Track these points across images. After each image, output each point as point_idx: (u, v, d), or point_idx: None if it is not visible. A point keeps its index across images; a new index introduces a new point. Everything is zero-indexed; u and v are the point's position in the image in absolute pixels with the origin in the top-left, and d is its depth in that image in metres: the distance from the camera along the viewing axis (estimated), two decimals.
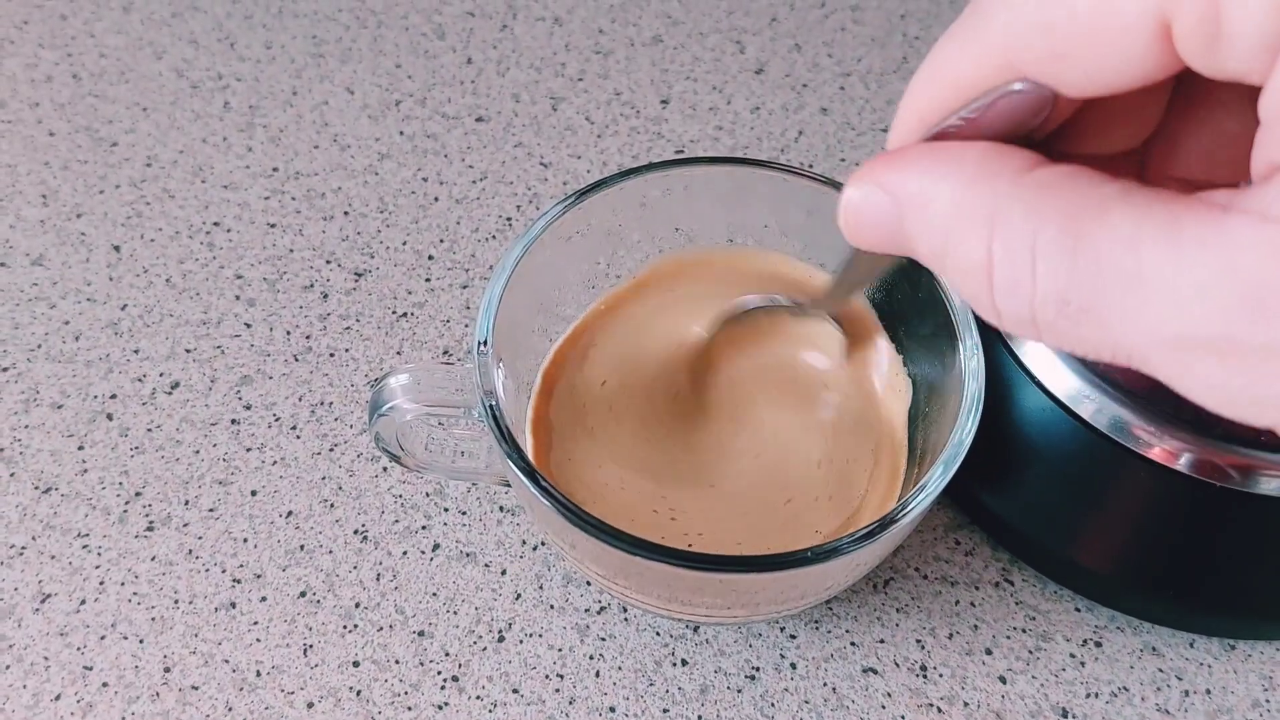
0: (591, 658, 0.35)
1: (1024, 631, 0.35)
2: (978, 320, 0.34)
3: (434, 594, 0.36)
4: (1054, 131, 0.20)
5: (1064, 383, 0.34)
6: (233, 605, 0.35)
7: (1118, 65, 0.16)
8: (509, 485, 0.35)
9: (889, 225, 0.20)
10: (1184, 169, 0.20)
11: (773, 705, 0.34)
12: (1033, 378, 0.34)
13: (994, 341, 0.35)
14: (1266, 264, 0.15)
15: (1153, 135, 0.20)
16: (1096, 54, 0.16)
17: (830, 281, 0.31)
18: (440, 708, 0.33)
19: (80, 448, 0.38)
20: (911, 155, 0.19)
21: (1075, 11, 0.16)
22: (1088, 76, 0.17)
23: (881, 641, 0.35)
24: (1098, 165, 0.18)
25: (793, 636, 0.35)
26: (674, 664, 0.35)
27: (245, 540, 0.36)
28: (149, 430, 0.39)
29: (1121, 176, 0.17)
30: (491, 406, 0.30)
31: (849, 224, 0.21)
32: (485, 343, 0.31)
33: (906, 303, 0.34)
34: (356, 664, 0.34)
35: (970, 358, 0.31)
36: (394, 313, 0.42)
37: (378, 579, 0.36)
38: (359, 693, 0.34)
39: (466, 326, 0.41)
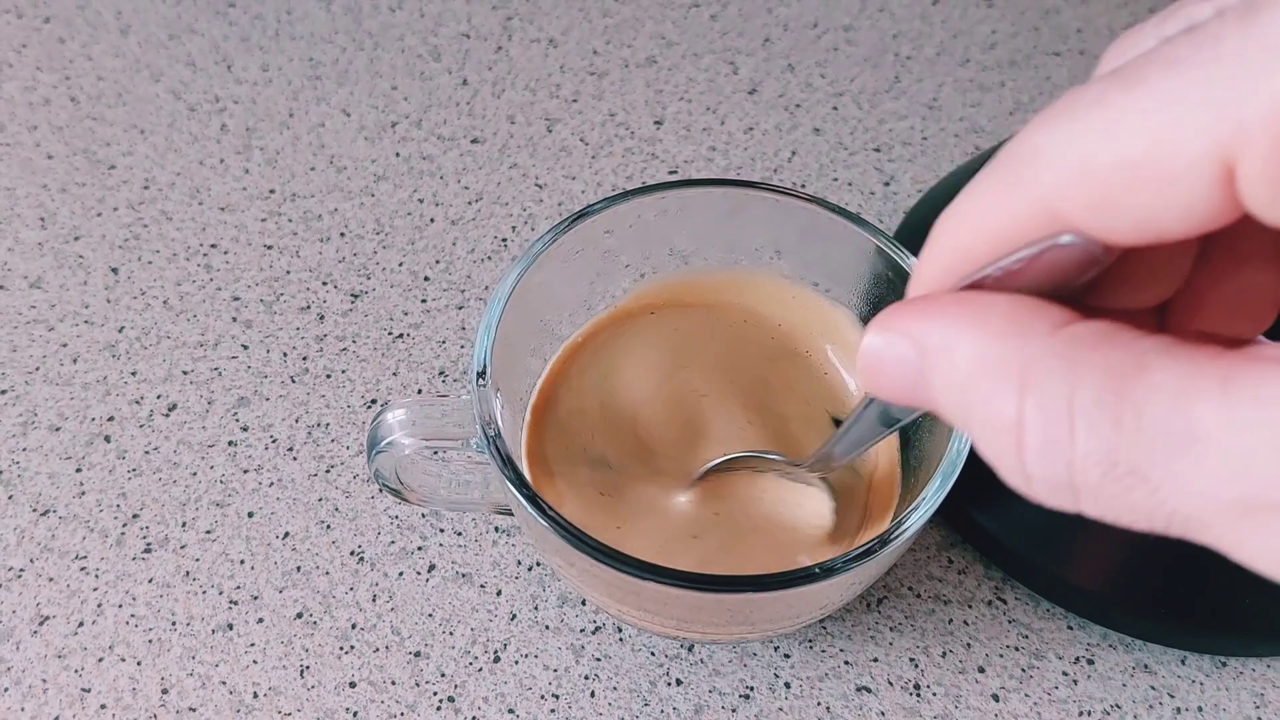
0: (587, 678, 0.35)
1: (1017, 650, 0.36)
2: None
3: (430, 615, 0.36)
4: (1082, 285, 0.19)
5: None
6: (230, 627, 0.35)
7: (1173, 212, 0.15)
8: (507, 514, 0.35)
9: (910, 376, 0.19)
10: (1206, 321, 0.19)
11: None
12: None
13: None
14: None
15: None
16: (1150, 201, 0.15)
17: (833, 438, 0.30)
18: None
19: (78, 470, 0.38)
20: (937, 304, 0.18)
21: (1127, 154, 0.15)
22: (1138, 225, 0.15)
23: (875, 660, 0.35)
24: (1122, 320, 0.17)
25: (787, 655, 0.35)
26: (669, 684, 0.35)
27: (242, 562, 0.37)
28: (146, 452, 0.39)
29: (1147, 331, 0.16)
30: (493, 437, 0.30)
31: (868, 371, 0.20)
32: (484, 374, 0.31)
33: None
34: (353, 685, 0.34)
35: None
36: (390, 334, 0.42)
37: (374, 600, 0.36)
38: (355, 714, 0.34)
39: (462, 347, 0.42)
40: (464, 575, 0.37)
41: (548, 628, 0.36)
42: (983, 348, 0.17)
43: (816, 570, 0.29)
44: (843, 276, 0.36)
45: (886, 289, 0.34)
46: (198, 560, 0.37)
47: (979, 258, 0.18)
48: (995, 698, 0.35)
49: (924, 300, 0.19)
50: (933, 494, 0.30)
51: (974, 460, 0.31)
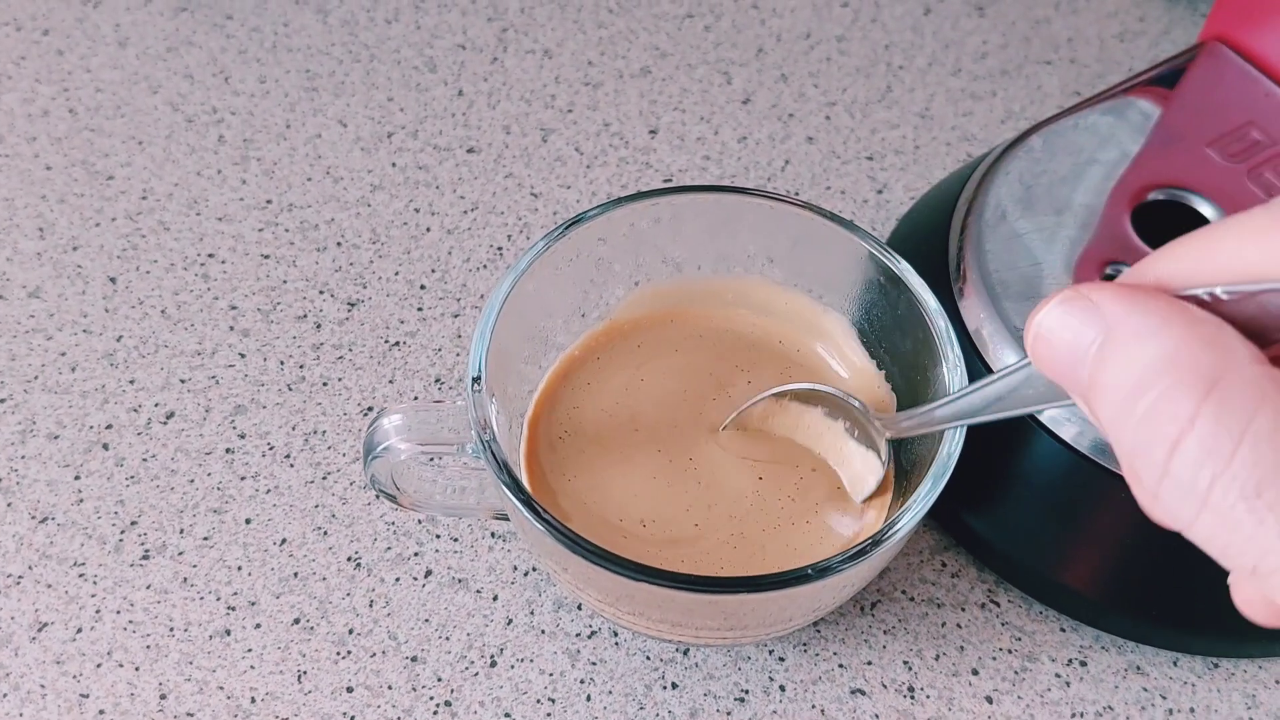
0: (582, 682, 0.35)
1: (1010, 652, 0.36)
2: (958, 336, 0.35)
3: (426, 620, 0.36)
4: None
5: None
6: (227, 633, 0.36)
7: None
8: (503, 519, 0.35)
9: (1081, 352, 0.19)
10: None
11: None
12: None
13: (971, 357, 0.35)
14: None
15: None
16: None
17: (939, 400, 0.30)
18: None
19: (76, 477, 0.39)
20: (1146, 294, 0.19)
21: None
22: None
23: (869, 663, 0.36)
24: None
25: (781, 659, 0.36)
26: (664, 687, 0.35)
27: (239, 568, 0.37)
28: (144, 460, 0.39)
29: None
30: (488, 442, 0.30)
31: (1041, 336, 0.20)
32: (479, 379, 0.31)
33: (887, 320, 0.35)
34: (350, 690, 0.35)
35: (953, 371, 0.32)
36: (386, 342, 0.42)
37: (370, 605, 0.36)
38: (353, 718, 0.34)
39: (458, 355, 0.42)
40: (460, 580, 0.37)
41: (543, 632, 0.36)
42: (1184, 346, 0.17)
43: (809, 571, 0.29)
44: (835, 282, 0.37)
45: (878, 294, 0.35)
46: (195, 566, 0.37)
47: (1208, 275, 0.18)
48: (989, 700, 0.35)
49: (1131, 287, 0.19)
50: (924, 495, 0.30)
51: (967, 465, 0.32)
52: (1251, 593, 0.21)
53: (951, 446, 0.30)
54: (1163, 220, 0.38)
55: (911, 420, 0.32)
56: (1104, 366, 0.19)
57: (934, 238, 0.39)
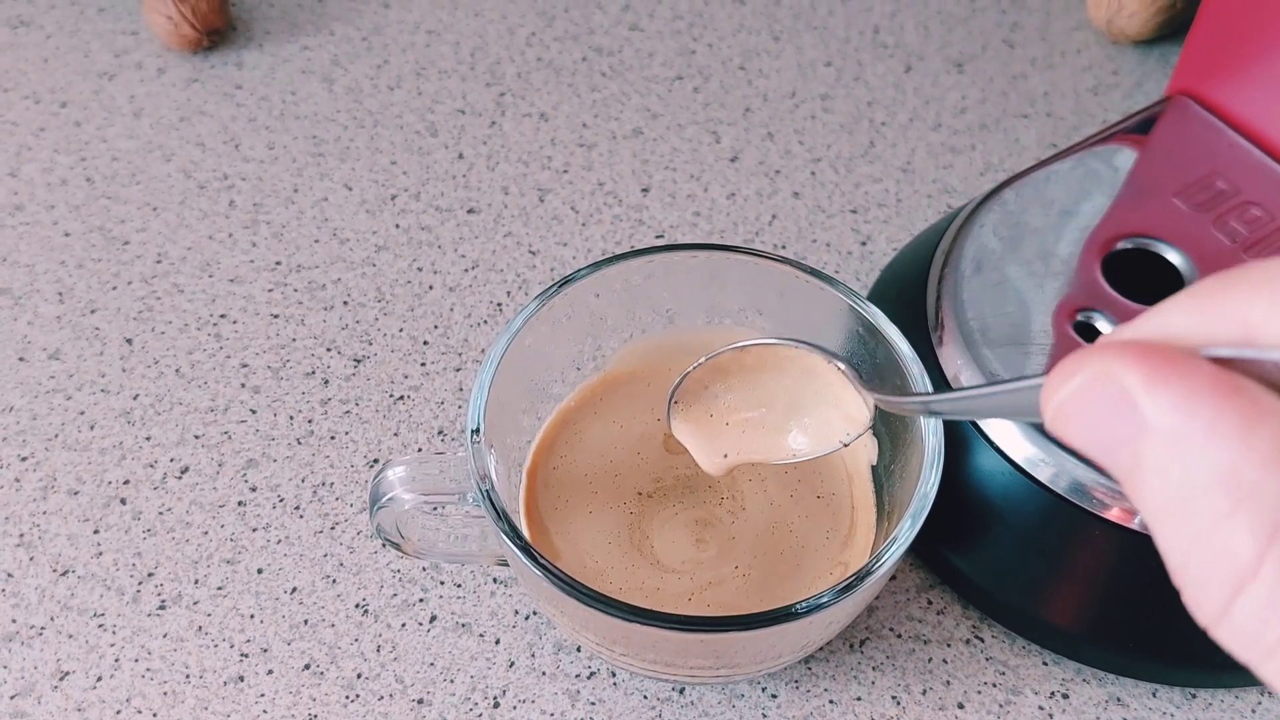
0: None
1: (994, 686, 0.37)
2: (938, 383, 0.37)
3: (431, 664, 0.37)
4: None
5: (1022, 448, 0.36)
6: (241, 679, 0.37)
7: None
8: (505, 565, 0.37)
9: (1115, 437, 0.16)
10: None
11: None
12: (992, 444, 0.37)
13: None
14: None
15: None
16: None
17: (950, 391, 0.28)
18: None
19: (96, 531, 0.40)
20: (1185, 371, 0.15)
21: None
22: None
23: (859, 699, 0.37)
24: None
25: (774, 696, 0.37)
26: None
27: (252, 616, 0.38)
28: (160, 513, 0.41)
29: None
30: (487, 491, 0.32)
31: (1062, 417, 0.17)
32: (478, 431, 0.33)
33: (865, 368, 0.37)
34: None
35: (928, 418, 0.33)
36: (391, 396, 0.44)
37: (378, 650, 0.38)
38: None
39: (460, 408, 0.44)
40: (464, 625, 0.38)
41: (544, 674, 0.37)
42: (1241, 467, 0.14)
43: (797, 609, 0.30)
44: (819, 333, 0.38)
45: (858, 343, 0.36)
46: (209, 615, 0.38)
47: (1255, 334, 0.15)
48: None
49: (1167, 357, 0.15)
50: (904, 533, 0.32)
51: (949, 507, 0.33)
52: None
53: (927, 488, 0.32)
54: (1132, 268, 0.40)
55: (902, 402, 0.31)
56: (1144, 464, 0.16)
57: (913, 288, 0.41)
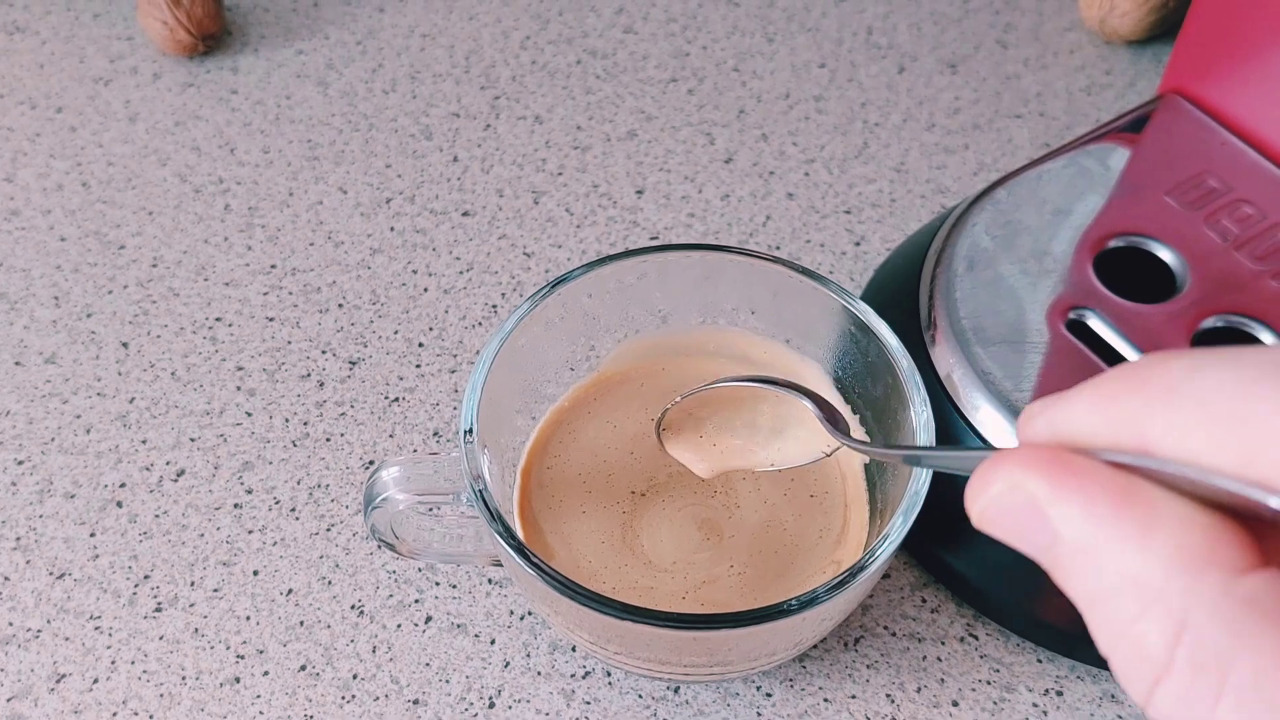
0: None
1: (988, 683, 0.37)
2: (930, 382, 0.37)
3: (427, 664, 0.38)
4: None
5: (1013, 446, 0.36)
6: (237, 680, 0.37)
7: None
8: (500, 565, 0.37)
9: (1036, 540, 0.17)
10: None
11: None
12: (985, 441, 0.37)
13: (943, 401, 0.37)
14: None
15: None
16: None
17: (922, 448, 0.30)
18: None
19: (92, 534, 0.40)
20: (1088, 480, 0.16)
21: None
22: None
23: (853, 697, 0.37)
24: None
25: (768, 695, 0.37)
26: None
27: (248, 618, 0.38)
28: (156, 516, 0.41)
29: None
30: (480, 491, 0.32)
31: (985, 517, 0.18)
32: (471, 431, 0.33)
33: (858, 366, 0.37)
34: None
35: (920, 414, 0.34)
36: (386, 398, 0.44)
37: (374, 651, 0.38)
38: None
39: (455, 409, 0.44)
40: (459, 625, 0.38)
41: (539, 674, 0.37)
42: (1144, 573, 0.15)
43: (790, 605, 0.30)
44: (811, 332, 0.39)
45: (850, 343, 0.37)
46: (205, 617, 0.38)
47: (1151, 447, 0.16)
48: None
49: (1067, 466, 0.16)
50: (896, 530, 0.32)
51: (941, 506, 0.33)
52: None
53: (919, 485, 0.32)
54: (1124, 266, 0.40)
55: (864, 448, 0.31)
56: (1061, 568, 0.17)
57: (906, 288, 0.41)
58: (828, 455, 0.33)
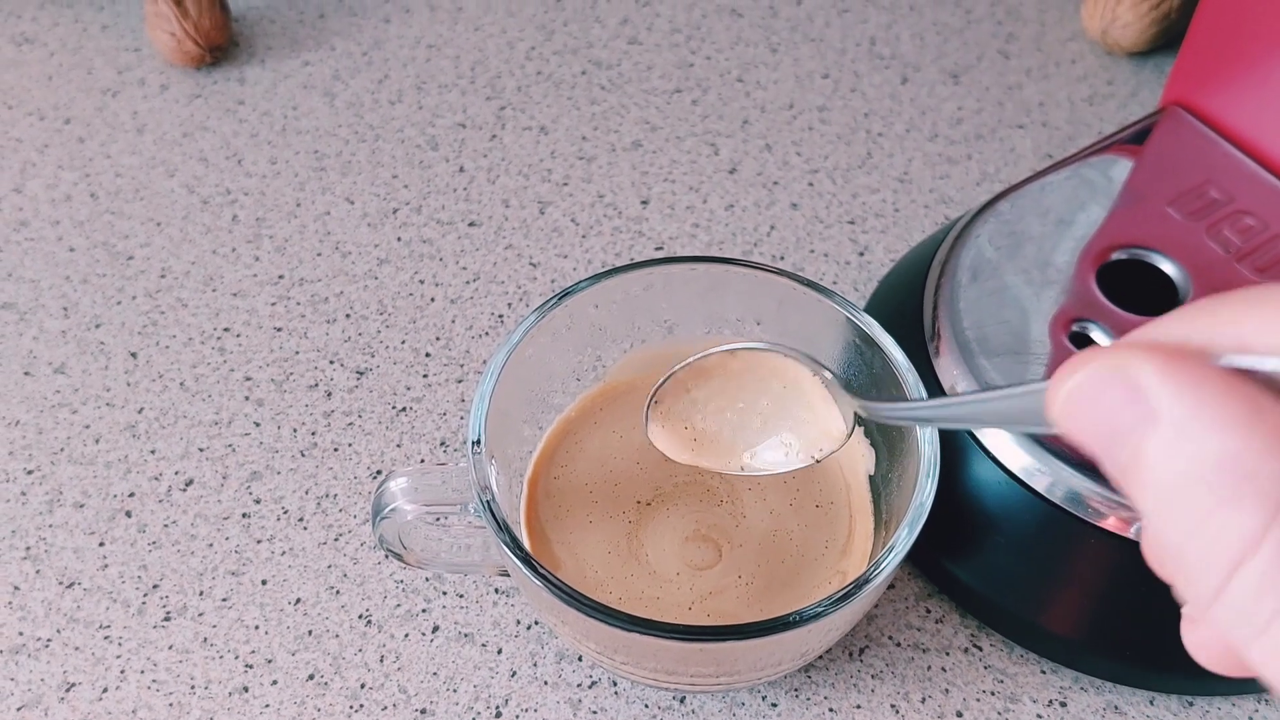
0: None
1: (993, 694, 0.37)
2: (934, 392, 0.37)
3: (434, 673, 0.38)
4: None
5: (1019, 458, 0.37)
6: (246, 689, 0.37)
7: None
8: (507, 575, 0.37)
9: (1119, 428, 0.17)
10: None
11: None
12: (989, 454, 0.37)
13: None
14: None
15: None
16: None
17: (939, 399, 0.29)
18: None
19: (101, 544, 0.41)
20: (1198, 372, 0.16)
21: None
22: None
23: (858, 707, 0.37)
24: None
25: (774, 705, 0.37)
26: None
27: (257, 627, 0.39)
28: (165, 526, 0.41)
29: None
30: (488, 502, 0.32)
31: (1072, 402, 0.18)
32: (478, 442, 0.33)
33: (863, 378, 0.37)
34: None
35: (924, 427, 0.34)
36: (394, 408, 0.44)
37: (381, 660, 0.38)
38: None
39: (462, 419, 0.44)
40: (466, 635, 0.39)
41: (546, 683, 0.38)
42: (1246, 451, 0.15)
43: (795, 617, 0.31)
44: (817, 343, 0.39)
45: (854, 353, 0.37)
46: (214, 627, 0.39)
47: (1248, 346, 0.16)
48: None
49: (1181, 360, 0.16)
50: (901, 542, 0.32)
51: (946, 517, 0.33)
52: (1207, 637, 0.20)
53: (924, 497, 0.32)
54: (1127, 279, 0.40)
55: (893, 410, 0.31)
56: (1145, 455, 0.16)
57: (910, 298, 0.42)
58: (818, 461, 0.33)
